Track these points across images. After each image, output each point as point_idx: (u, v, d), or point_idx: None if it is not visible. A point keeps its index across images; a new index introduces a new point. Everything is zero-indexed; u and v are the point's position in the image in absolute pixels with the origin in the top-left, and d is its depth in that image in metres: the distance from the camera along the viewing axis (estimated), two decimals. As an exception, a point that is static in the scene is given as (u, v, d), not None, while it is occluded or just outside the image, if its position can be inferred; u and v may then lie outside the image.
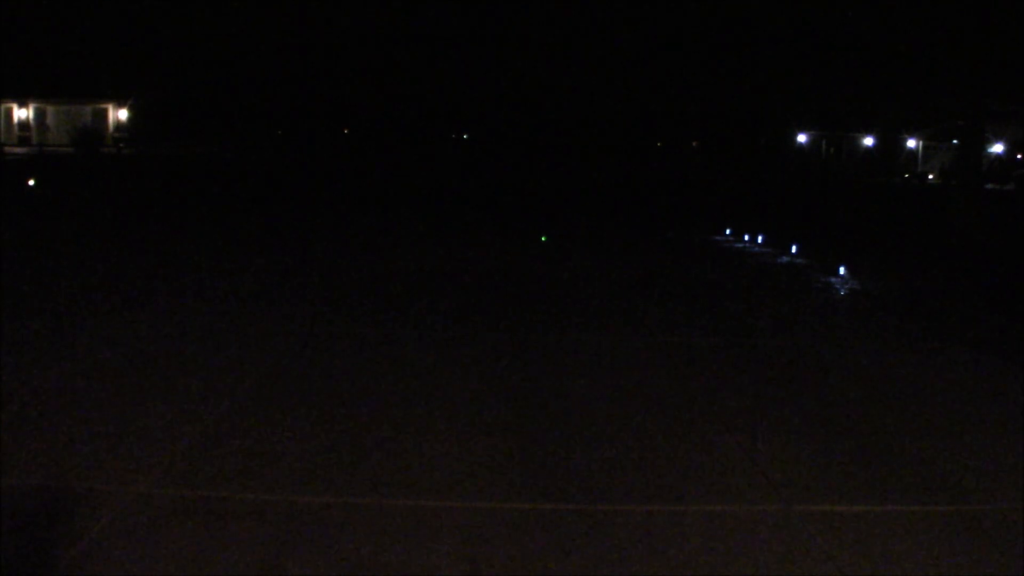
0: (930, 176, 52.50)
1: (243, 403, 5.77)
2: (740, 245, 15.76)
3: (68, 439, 4.98)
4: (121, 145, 49.06)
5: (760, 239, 16.07)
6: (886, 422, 5.84)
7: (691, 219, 20.94)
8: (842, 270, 12.46)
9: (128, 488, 4.35)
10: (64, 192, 22.92)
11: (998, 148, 50.01)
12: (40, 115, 54.59)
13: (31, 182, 23.95)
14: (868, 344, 8.30)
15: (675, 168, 52.46)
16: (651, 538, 4.04)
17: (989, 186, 33.46)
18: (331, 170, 38.19)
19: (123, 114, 54.60)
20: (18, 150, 45.81)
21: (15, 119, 53.94)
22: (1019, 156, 50.85)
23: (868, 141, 59.80)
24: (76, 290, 9.46)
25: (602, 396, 6.22)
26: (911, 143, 58.04)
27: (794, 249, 14.63)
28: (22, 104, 53.71)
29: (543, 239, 10.95)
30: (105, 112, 54.62)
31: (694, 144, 72.69)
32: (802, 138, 61.78)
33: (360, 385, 6.27)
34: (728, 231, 17.31)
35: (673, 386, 6.56)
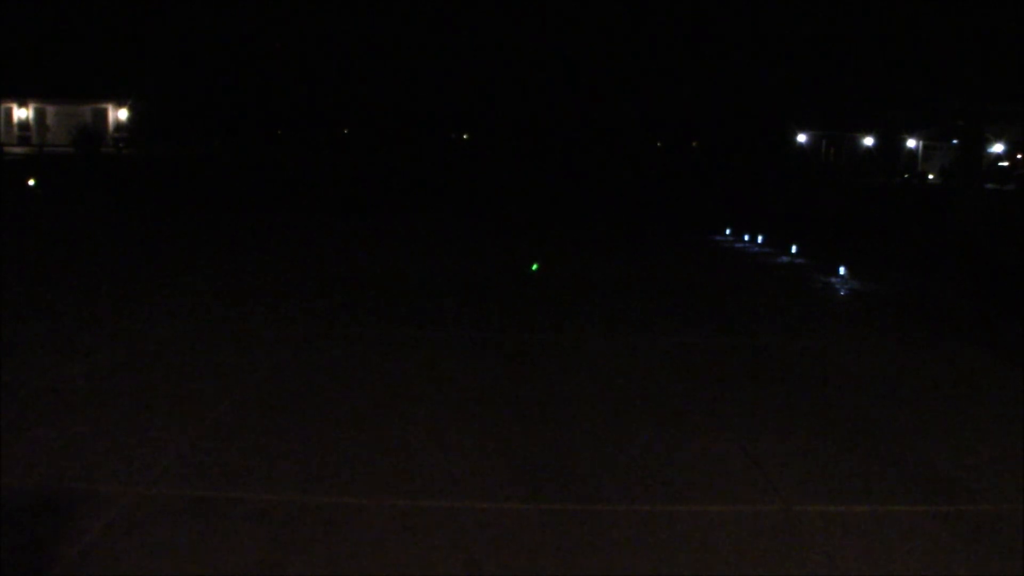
0: (930, 176, 52.54)
1: (243, 403, 5.77)
2: (740, 245, 15.77)
3: (68, 439, 4.98)
4: (121, 145, 49.11)
5: (760, 239, 16.07)
6: (886, 422, 5.84)
7: (691, 219, 20.94)
8: (842, 270, 12.46)
9: (128, 488, 4.35)
10: (64, 192, 22.92)
11: (998, 148, 50.03)
12: (40, 115, 54.62)
13: (31, 182, 23.96)
14: (868, 344, 8.30)
15: (675, 168, 52.46)
16: (651, 538, 4.04)
17: (989, 186, 33.47)
18: (331, 170, 38.18)
19: (123, 114, 54.63)
20: (18, 150, 45.83)
21: (15, 119, 53.98)
22: (1019, 156, 50.86)
23: (868, 141, 59.83)
24: (76, 290, 9.46)
25: (602, 396, 6.22)
26: (911, 143, 58.09)
27: (794, 249, 14.63)
28: (22, 104, 53.75)
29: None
30: (105, 112, 54.66)
31: (694, 144, 72.72)
32: (802, 138, 61.81)
33: (360, 385, 6.27)
34: (728, 231, 17.31)
35: (673, 386, 6.55)
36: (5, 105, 53.22)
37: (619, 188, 33.29)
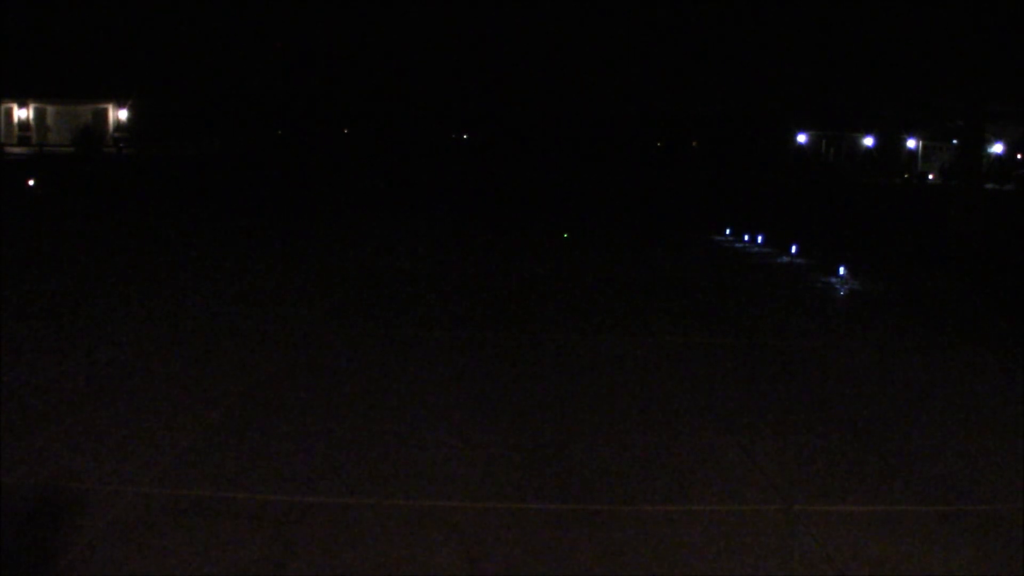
0: (930, 176, 52.57)
1: (243, 403, 5.77)
2: (740, 245, 15.77)
3: (68, 439, 4.98)
4: (121, 145, 49.10)
5: (760, 239, 16.07)
6: (886, 422, 5.84)
7: (691, 219, 20.94)
8: (842, 270, 12.46)
9: (128, 488, 4.35)
10: (64, 192, 22.92)
11: (998, 148, 50.06)
12: (40, 115, 54.60)
13: (31, 182, 23.96)
14: (868, 344, 8.29)
15: (675, 168, 52.48)
16: (651, 538, 4.04)
17: (989, 186, 33.48)
18: (331, 170, 38.19)
19: (123, 114, 54.62)
20: (18, 150, 45.83)
21: (15, 119, 53.96)
22: (1019, 156, 50.91)
23: (868, 141, 59.86)
24: (76, 290, 9.46)
25: (602, 396, 6.22)
26: (911, 143, 58.13)
27: (794, 249, 14.63)
28: (22, 104, 53.73)
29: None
30: (105, 112, 54.64)
31: (694, 145, 72.70)
32: (802, 138, 61.81)
33: (360, 385, 6.27)
34: (728, 231, 17.31)
35: (673, 386, 6.55)
36: (5, 105, 53.20)
37: (619, 188, 33.28)
